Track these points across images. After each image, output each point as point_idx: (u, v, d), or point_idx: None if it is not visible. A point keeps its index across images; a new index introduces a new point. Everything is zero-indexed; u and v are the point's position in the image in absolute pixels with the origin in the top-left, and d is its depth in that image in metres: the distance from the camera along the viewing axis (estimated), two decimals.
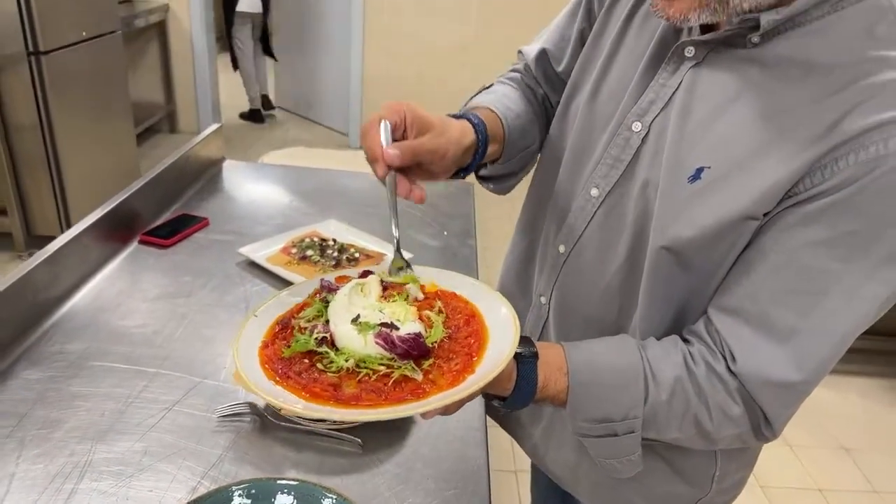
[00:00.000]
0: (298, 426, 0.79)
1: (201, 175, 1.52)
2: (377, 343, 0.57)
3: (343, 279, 0.68)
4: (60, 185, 2.65)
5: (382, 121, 0.64)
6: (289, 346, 0.60)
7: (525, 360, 0.63)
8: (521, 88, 0.87)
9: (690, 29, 0.64)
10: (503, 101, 0.81)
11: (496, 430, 0.93)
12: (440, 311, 0.63)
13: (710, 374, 0.62)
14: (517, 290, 0.90)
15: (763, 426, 0.63)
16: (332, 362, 0.57)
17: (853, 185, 0.54)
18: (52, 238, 0.99)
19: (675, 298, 0.66)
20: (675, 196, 0.63)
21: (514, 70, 0.91)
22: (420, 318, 0.61)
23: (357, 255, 1.18)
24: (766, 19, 0.57)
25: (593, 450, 0.68)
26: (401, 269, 0.69)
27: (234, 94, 5.15)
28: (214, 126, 1.60)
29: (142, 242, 1.19)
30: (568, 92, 0.80)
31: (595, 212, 0.72)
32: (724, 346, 0.62)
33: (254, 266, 1.14)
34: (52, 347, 0.90)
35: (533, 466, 1.13)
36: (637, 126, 0.68)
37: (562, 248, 0.77)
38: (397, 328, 0.58)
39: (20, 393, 0.81)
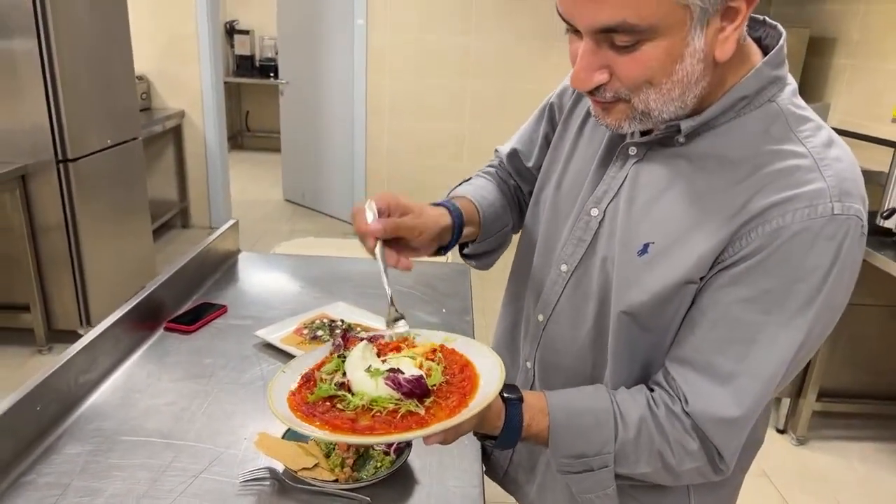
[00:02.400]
0: (313, 487, 0.87)
1: (219, 266, 1.65)
2: (386, 384, 0.69)
3: (353, 341, 0.79)
4: (82, 282, 2.79)
5: (369, 201, 0.79)
6: (313, 393, 0.71)
7: (512, 402, 0.74)
8: (496, 180, 1.03)
9: (632, 133, 0.79)
10: (479, 191, 0.96)
11: (495, 489, 1.01)
12: (439, 362, 0.75)
13: (670, 414, 0.72)
14: (507, 357, 1.01)
15: (717, 460, 0.72)
16: (349, 403, 0.69)
17: (763, 252, 0.66)
18: (72, 333, 1.11)
19: (638, 354, 0.77)
20: (628, 268, 0.75)
21: (490, 165, 1.07)
22: (420, 367, 0.73)
23: (363, 333, 1.29)
24: (685, 125, 0.72)
25: (575, 486, 0.77)
26: (396, 320, 0.81)
27: (243, 190, 5.41)
28: (231, 222, 1.75)
29: (167, 329, 1.31)
30: (538, 185, 0.95)
31: (566, 284, 0.84)
32: (679, 390, 0.72)
33: (269, 347, 1.25)
34: (91, 425, 1.00)
35: None
36: (595, 212, 0.81)
37: (540, 318, 0.88)
38: (402, 373, 0.70)
39: (64, 466, 0.91)
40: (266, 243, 3.14)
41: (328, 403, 0.70)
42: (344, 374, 0.73)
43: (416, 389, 0.68)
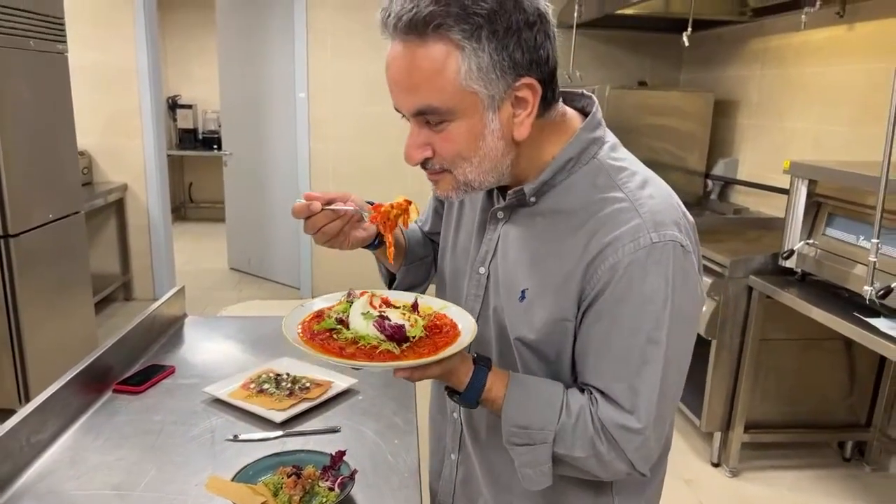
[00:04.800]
0: None
1: (166, 331, 1.70)
2: (374, 326, 0.83)
3: (364, 293, 0.93)
4: (21, 360, 2.74)
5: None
6: (319, 324, 0.88)
7: (480, 365, 0.86)
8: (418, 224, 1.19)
9: (498, 198, 0.93)
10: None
11: None
12: (425, 319, 0.88)
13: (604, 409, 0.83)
14: (438, 413, 1.12)
15: (629, 463, 0.82)
16: (342, 334, 0.84)
17: (610, 286, 0.80)
18: (10, 411, 1.14)
19: (542, 374, 0.89)
20: (514, 312, 0.89)
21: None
22: (408, 319, 0.85)
23: (308, 384, 1.36)
24: (527, 189, 0.87)
25: (517, 458, 0.86)
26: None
27: (188, 261, 5.40)
28: (176, 288, 1.81)
29: (116, 391, 1.35)
30: (440, 250, 1.09)
31: None
32: (594, 399, 0.83)
33: (218, 402, 1.31)
34: (43, 483, 1.04)
35: None
36: (482, 270, 0.95)
37: None
38: (390, 320, 0.84)
39: None
40: (213, 311, 3.15)
41: (328, 333, 0.85)
42: (341, 318, 0.88)
43: (396, 334, 0.82)
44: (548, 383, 0.87)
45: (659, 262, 0.79)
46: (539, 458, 0.85)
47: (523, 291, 0.87)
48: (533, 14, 0.77)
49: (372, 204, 0.98)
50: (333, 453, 1.06)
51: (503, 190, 0.92)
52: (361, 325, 0.84)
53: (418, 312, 0.90)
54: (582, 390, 0.86)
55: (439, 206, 1.12)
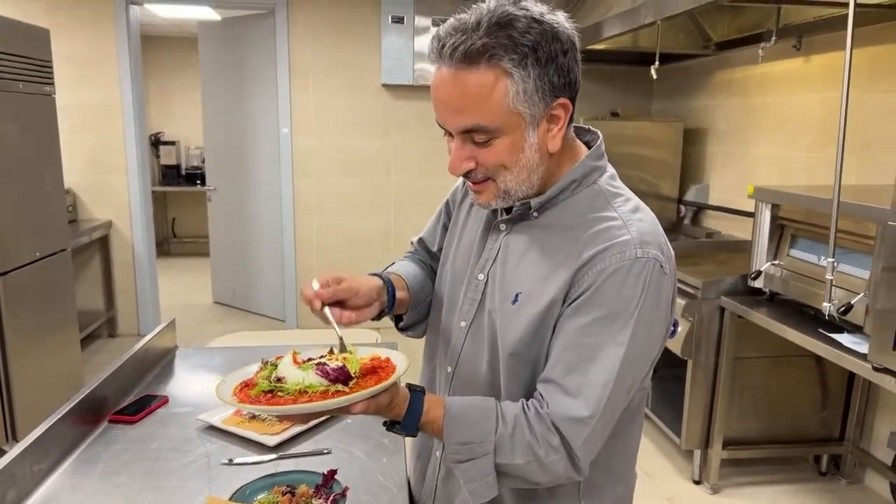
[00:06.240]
0: None
1: (158, 362, 1.75)
2: (317, 373, 0.86)
3: (279, 357, 0.94)
4: (9, 398, 2.75)
5: (314, 279, 0.98)
6: (254, 390, 0.87)
7: (415, 391, 0.93)
8: (415, 260, 1.26)
9: (501, 213, 1.03)
10: (403, 267, 1.19)
11: None
12: (353, 354, 0.93)
13: (537, 415, 0.90)
14: None
15: (574, 456, 0.89)
16: (287, 390, 0.85)
17: (593, 287, 0.89)
18: None
19: (523, 386, 0.97)
20: (506, 314, 0.97)
21: (409, 251, 1.31)
22: (338, 360, 0.90)
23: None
24: (535, 202, 0.97)
25: (462, 475, 0.92)
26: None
27: (172, 296, 5.41)
28: (167, 321, 1.87)
29: (111, 421, 1.40)
30: (441, 260, 1.17)
31: (465, 337, 1.04)
32: (542, 399, 0.91)
33: (212, 429, 1.36)
34: None
35: None
36: (481, 276, 1.03)
37: (449, 369, 1.07)
38: (327, 365, 0.87)
39: None
40: (200, 344, 3.15)
41: (269, 394, 0.86)
42: (277, 377, 0.89)
43: (341, 375, 0.86)
44: (480, 399, 0.96)
45: (639, 275, 0.88)
46: (483, 470, 0.91)
47: (517, 295, 0.96)
48: (567, 42, 0.89)
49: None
50: (325, 472, 1.11)
51: None
52: (302, 375, 0.86)
53: (337, 357, 0.95)
54: (517, 400, 0.94)
55: (447, 222, 1.22)
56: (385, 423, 0.95)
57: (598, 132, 1.03)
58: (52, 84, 3.10)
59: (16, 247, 2.83)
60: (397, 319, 1.20)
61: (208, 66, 5.15)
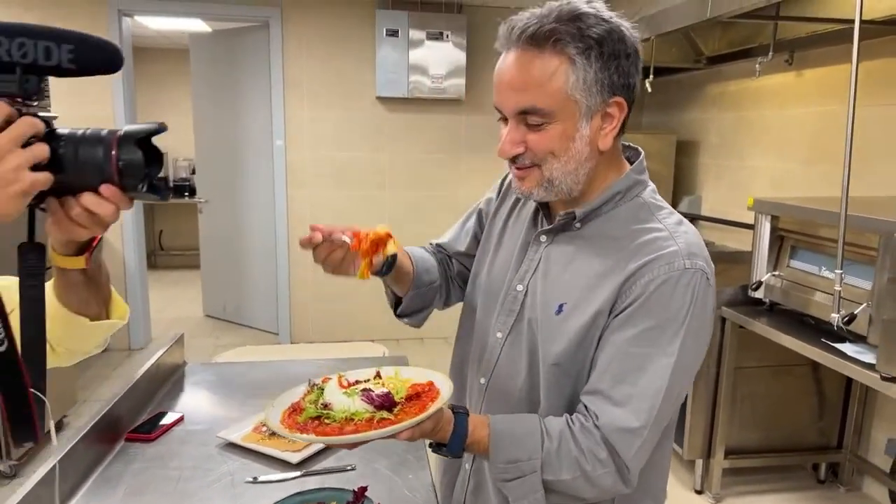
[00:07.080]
0: None
1: (168, 378, 1.73)
2: (362, 400, 0.86)
3: (326, 379, 0.96)
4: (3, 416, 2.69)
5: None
6: (301, 416, 0.87)
7: (459, 413, 0.93)
8: (428, 251, 1.25)
9: (542, 224, 1.04)
10: (412, 249, 1.19)
11: None
12: (401, 383, 0.93)
13: (583, 429, 0.91)
14: None
15: (624, 469, 0.90)
16: (333, 417, 0.85)
17: (641, 298, 0.90)
18: None
19: (565, 396, 0.97)
20: (549, 325, 0.97)
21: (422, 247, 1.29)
22: (385, 386, 0.91)
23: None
24: (578, 213, 0.98)
25: (510, 493, 0.92)
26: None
27: (162, 309, 5.35)
28: (177, 335, 1.84)
29: (128, 440, 1.38)
30: (474, 271, 1.17)
31: (501, 348, 1.04)
32: (590, 412, 0.92)
33: (232, 446, 1.35)
34: None
35: None
36: (520, 287, 1.04)
37: (482, 380, 1.07)
38: (373, 391, 0.88)
39: None
40: (192, 358, 3.10)
41: (316, 421, 0.86)
42: (324, 403, 0.89)
43: (386, 402, 0.86)
44: (524, 416, 0.96)
45: (687, 286, 0.90)
46: (532, 487, 0.92)
47: (561, 305, 0.96)
48: (631, 48, 0.91)
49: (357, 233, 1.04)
50: (356, 489, 1.11)
51: (548, 215, 1.04)
52: (348, 402, 0.87)
53: (383, 381, 0.96)
54: (562, 415, 0.94)
55: (479, 232, 1.21)
56: (430, 445, 0.95)
57: (640, 149, 1.04)
58: (48, 98, 3.07)
59: (10, 264, 2.77)
60: (396, 305, 1.19)
61: (200, 78, 5.12)
